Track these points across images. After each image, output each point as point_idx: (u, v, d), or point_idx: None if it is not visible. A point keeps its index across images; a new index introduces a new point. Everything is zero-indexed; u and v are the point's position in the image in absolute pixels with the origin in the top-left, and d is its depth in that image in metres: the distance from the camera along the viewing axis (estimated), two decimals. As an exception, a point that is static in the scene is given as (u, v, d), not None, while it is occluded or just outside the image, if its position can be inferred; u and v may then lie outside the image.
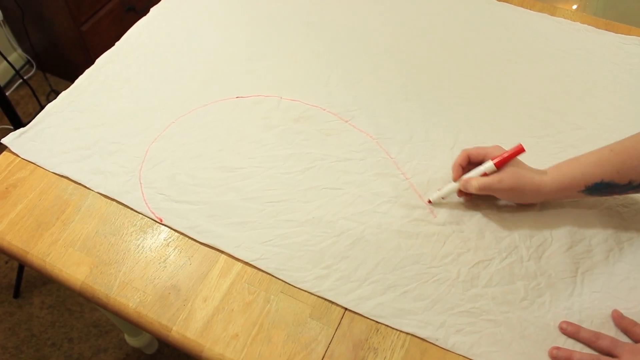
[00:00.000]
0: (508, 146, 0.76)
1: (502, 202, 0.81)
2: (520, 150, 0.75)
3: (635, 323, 0.69)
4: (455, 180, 0.79)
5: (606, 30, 1.06)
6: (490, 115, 0.92)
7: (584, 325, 0.70)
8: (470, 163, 0.79)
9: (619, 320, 0.70)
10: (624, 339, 0.69)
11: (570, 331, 0.69)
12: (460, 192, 0.80)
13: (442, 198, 0.80)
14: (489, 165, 0.76)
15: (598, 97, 0.95)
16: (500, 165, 0.75)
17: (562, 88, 0.96)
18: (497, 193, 0.76)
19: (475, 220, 0.79)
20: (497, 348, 0.68)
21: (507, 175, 0.74)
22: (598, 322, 0.70)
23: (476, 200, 0.81)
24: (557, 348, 0.68)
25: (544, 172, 0.76)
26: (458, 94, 0.95)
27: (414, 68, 0.99)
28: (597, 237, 0.78)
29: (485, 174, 0.76)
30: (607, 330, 0.70)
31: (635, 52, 1.02)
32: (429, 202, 0.80)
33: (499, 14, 1.09)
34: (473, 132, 0.89)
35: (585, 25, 1.07)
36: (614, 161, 0.72)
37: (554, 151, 0.87)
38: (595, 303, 0.72)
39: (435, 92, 0.95)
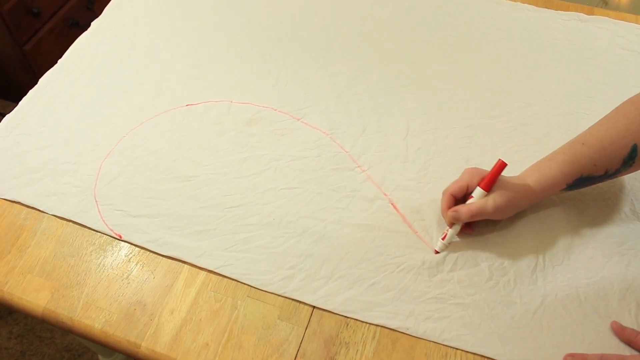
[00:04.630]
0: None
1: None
2: (502, 165, 0.71)
3: (637, 332, 0.67)
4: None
5: (546, 7, 1.08)
6: (440, 101, 0.93)
7: (547, 300, 0.71)
8: (457, 202, 0.76)
9: (620, 332, 0.68)
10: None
11: None
12: (460, 232, 0.76)
13: (447, 244, 0.76)
14: (478, 193, 0.73)
15: (543, 74, 0.96)
16: (489, 188, 0.72)
17: (508, 68, 0.98)
18: (492, 215, 0.73)
19: (436, 206, 0.80)
20: (467, 331, 0.69)
21: (498, 197, 0.72)
22: (562, 294, 0.72)
23: (439, 191, 0.81)
24: (572, 355, 0.66)
25: (525, 179, 0.74)
26: (406, 82, 0.96)
27: (361, 61, 0.99)
28: (556, 210, 0.79)
29: None
30: (572, 303, 0.71)
31: (575, 28, 1.04)
32: (436, 252, 0.76)
33: (440, 0, 1.10)
34: (425, 119, 0.90)
35: (526, 4, 1.08)
36: (589, 155, 0.72)
37: (505, 130, 0.88)
38: (557, 276, 0.73)
39: (385, 83, 0.96)
